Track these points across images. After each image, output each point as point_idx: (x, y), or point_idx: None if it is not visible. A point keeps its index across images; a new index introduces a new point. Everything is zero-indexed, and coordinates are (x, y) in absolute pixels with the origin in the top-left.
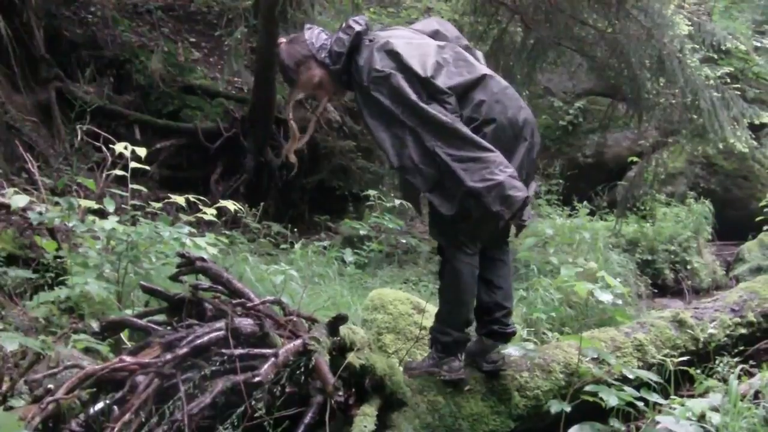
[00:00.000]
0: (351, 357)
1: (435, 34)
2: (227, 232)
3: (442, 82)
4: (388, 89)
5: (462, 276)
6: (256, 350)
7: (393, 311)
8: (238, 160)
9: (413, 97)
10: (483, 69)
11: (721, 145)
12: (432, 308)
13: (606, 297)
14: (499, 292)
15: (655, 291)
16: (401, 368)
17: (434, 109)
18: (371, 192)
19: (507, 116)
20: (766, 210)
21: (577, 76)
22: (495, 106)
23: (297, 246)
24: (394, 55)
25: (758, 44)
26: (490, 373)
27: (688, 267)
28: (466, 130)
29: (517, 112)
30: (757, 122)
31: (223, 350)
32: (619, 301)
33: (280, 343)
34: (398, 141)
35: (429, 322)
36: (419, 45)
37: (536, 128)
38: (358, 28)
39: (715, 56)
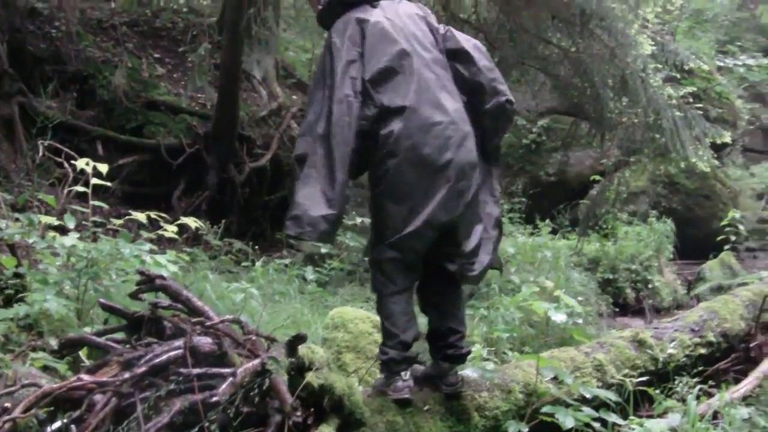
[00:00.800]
0: (310, 377)
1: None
2: (188, 249)
3: (375, 91)
4: (329, 56)
5: (381, 304)
6: (214, 369)
7: (353, 330)
8: (201, 176)
9: (337, 78)
10: (410, 100)
11: (683, 165)
12: None
13: (560, 317)
14: (451, 319)
15: (617, 310)
16: (361, 388)
17: (340, 105)
18: None
19: (417, 153)
20: (727, 229)
21: (541, 95)
22: (403, 141)
23: (258, 263)
24: (357, 35)
25: (721, 64)
26: (450, 395)
27: (650, 286)
28: (335, 142)
29: (438, 153)
30: (719, 142)
31: (181, 369)
32: (580, 320)
33: (238, 363)
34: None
35: None
36: (390, 41)
37: (474, 171)
38: None
39: (678, 76)
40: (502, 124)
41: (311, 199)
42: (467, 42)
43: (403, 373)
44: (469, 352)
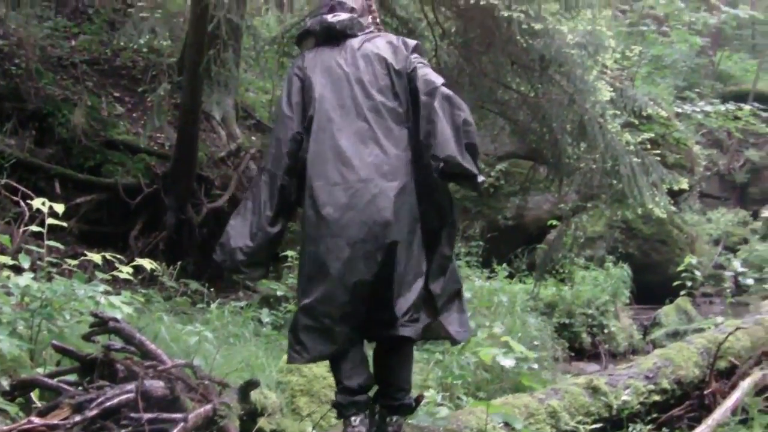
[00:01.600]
0: (261, 422)
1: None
2: (143, 291)
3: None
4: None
5: None
6: (165, 415)
7: (308, 374)
8: (159, 216)
9: (279, 116)
10: (311, 155)
11: (640, 211)
12: None
13: (509, 362)
14: (395, 377)
15: (573, 354)
16: None
17: (275, 143)
18: (289, 252)
19: (315, 210)
20: (683, 275)
21: (500, 139)
22: (306, 196)
23: (213, 305)
24: (297, 79)
25: (679, 110)
26: None
27: (606, 331)
28: (266, 177)
29: (338, 212)
30: (676, 188)
31: (132, 414)
32: (535, 366)
33: (190, 407)
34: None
35: None
36: (316, 93)
37: (386, 229)
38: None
39: (637, 122)
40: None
41: (236, 229)
42: (425, 86)
43: (353, 418)
44: (411, 404)
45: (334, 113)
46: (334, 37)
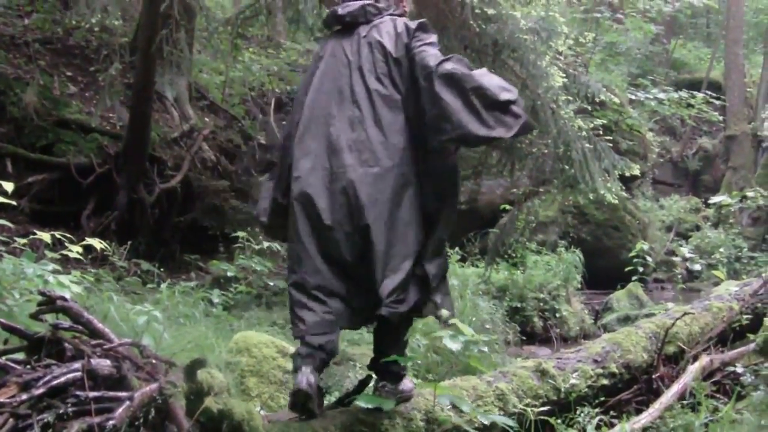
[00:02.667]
0: (208, 401)
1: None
2: (94, 270)
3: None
4: None
5: None
6: (111, 393)
7: (257, 354)
8: (111, 196)
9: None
10: (298, 135)
11: (591, 196)
12: None
13: (455, 345)
14: (386, 347)
15: (524, 338)
16: (263, 412)
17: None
18: (240, 233)
19: (299, 191)
20: (635, 260)
21: None
22: (294, 185)
23: (163, 286)
24: (321, 54)
25: (633, 97)
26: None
27: (557, 315)
28: (282, 136)
29: (322, 196)
30: (628, 174)
31: (79, 392)
32: (485, 348)
33: (137, 386)
34: None
35: None
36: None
37: (362, 213)
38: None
39: (590, 108)
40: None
41: (264, 192)
42: (422, 71)
43: (303, 368)
44: (398, 373)
45: (330, 100)
46: (345, 25)
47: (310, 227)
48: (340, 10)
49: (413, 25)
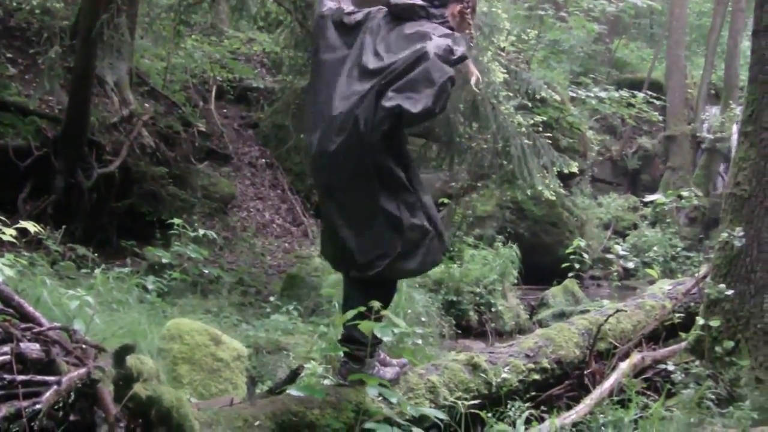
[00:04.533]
0: (137, 387)
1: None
2: (27, 254)
3: None
4: None
5: None
6: (39, 377)
7: (189, 342)
8: (48, 180)
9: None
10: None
11: (529, 192)
12: (229, 340)
13: (387, 336)
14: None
15: (459, 332)
16: (194, 400)
17: None
18: (176, 220)
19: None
20: (571, 257)
21: None
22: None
23: (97, 271)
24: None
25: (574, 95)
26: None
27: (493, 309)
28: None
29: (314, 157)
30: (567, 171)
31: (6, 376)
32: (419, 341)
33: (66, 371)
34: None
35: (226, 353)
36: None
37: (328, 177)
38: None
39: (531, 104)
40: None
41: None
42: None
43: None
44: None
45: (342, 72)
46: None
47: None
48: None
49: (430, 49)
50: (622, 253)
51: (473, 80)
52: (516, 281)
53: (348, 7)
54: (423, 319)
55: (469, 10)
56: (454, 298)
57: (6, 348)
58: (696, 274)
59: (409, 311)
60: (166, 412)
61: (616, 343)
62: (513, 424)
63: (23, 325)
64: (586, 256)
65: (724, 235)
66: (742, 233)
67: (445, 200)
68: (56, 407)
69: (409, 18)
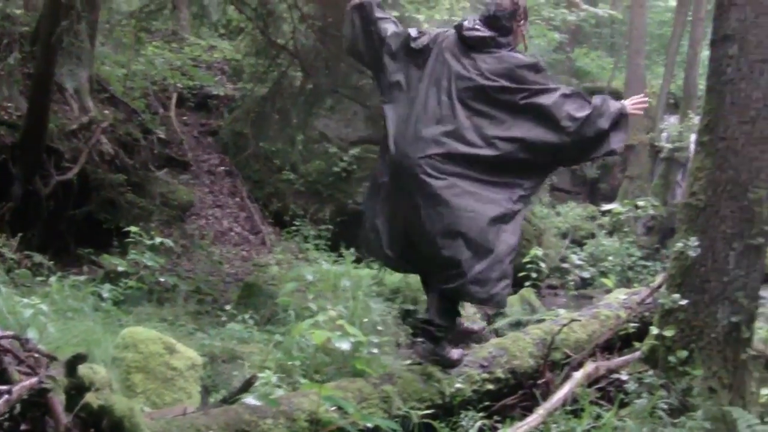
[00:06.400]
0: (88, 397)
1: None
2: None
3: None
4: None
5: None
6: None
7: (144, 350)
8: (6, 187)
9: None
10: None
11: None
12: (184, 349)
13: (345, 345)
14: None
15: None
16: (148, 409)
17: None
18: (133, 228)
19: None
20: (528, 266)
21: (354, 124)
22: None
23: (53, 279)
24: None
25: None
26: None
27: None
28: None
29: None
30: None
31: None
32: (374, 350)
33: (17, 379)
34: None
35: (180, 362)
36: None
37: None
38: None
39: None
40: None
41: None
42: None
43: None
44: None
45: (425, 91)
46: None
47: None
48: (465, 32)
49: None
50: (578, 262)
51: None
52: None
53: (414, 32)
54: (379, 327)
55: (522, 22)
56: (411, 307)
57: None
58: (651, 284)
59: (366, 320)
60: (118, 421)
61: (571, 353)
62: None
63: None
64: (542, 265)
65: (679, 245)
66: (697, 243)
67: None
68: (6, 417)
69: (480, 49)
